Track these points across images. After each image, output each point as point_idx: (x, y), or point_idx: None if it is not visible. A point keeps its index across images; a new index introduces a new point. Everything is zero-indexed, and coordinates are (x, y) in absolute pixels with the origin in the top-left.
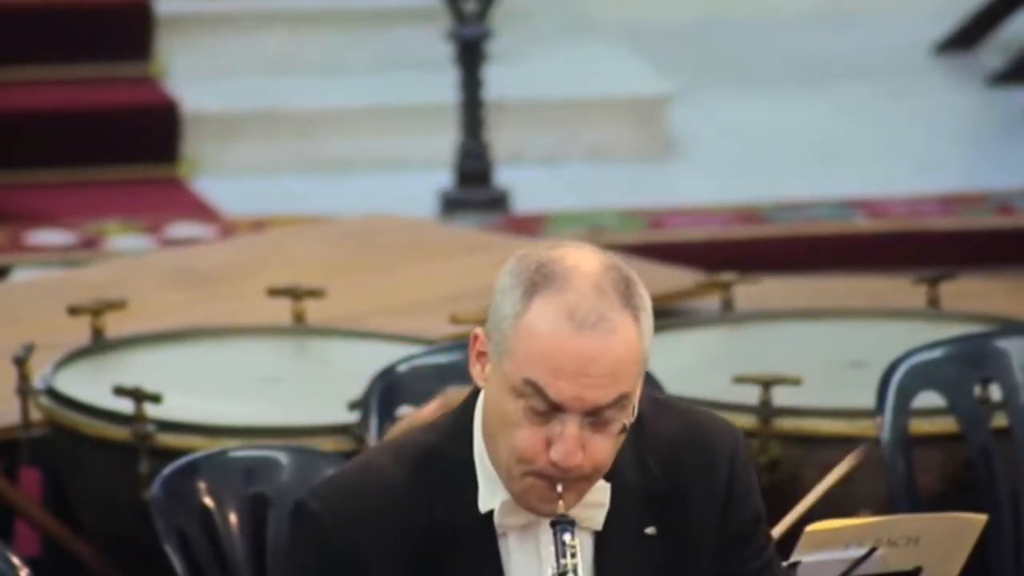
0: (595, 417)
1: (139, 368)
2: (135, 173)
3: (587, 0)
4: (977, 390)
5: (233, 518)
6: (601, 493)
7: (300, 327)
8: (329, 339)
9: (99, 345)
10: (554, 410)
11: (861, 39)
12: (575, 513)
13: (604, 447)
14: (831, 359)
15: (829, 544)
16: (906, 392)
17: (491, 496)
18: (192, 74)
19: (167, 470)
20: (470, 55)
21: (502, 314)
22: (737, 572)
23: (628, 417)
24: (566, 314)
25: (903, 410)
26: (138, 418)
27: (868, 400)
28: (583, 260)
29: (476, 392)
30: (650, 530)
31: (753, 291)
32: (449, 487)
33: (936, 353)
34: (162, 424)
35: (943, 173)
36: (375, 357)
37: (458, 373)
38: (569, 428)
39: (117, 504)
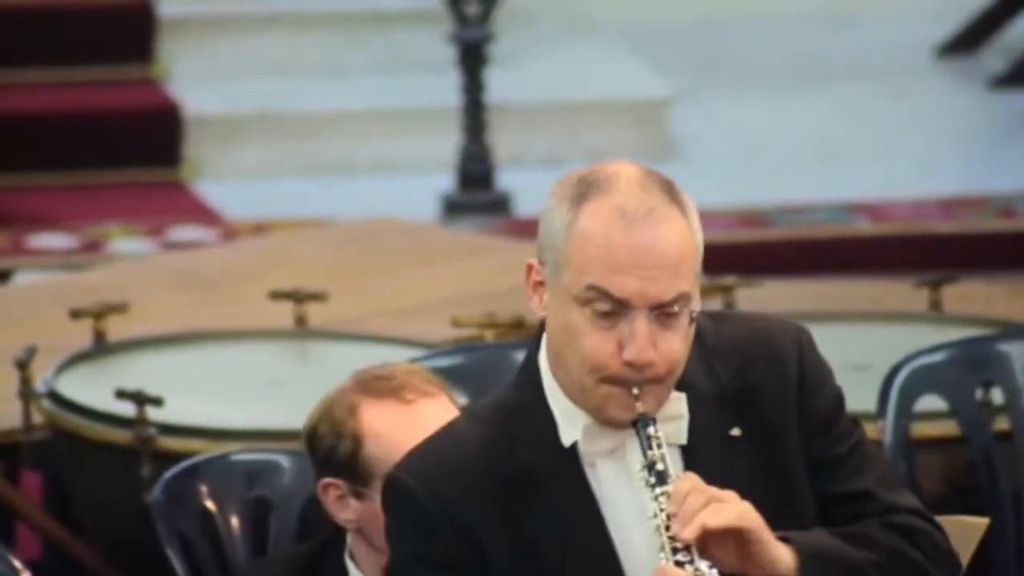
0: (661, 312)
1: (141, 371)
2: (137, 176)
3: (588, 2)
4: (979, 393)
5: (235, 521)
6: (678, 404)
7: (302, 330)
8: (331, 342)
9: (101, 348)
10: (620, 309)
11: (862, 41)
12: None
13: (675, 344)
14: (833, 362)
15: None
16: (908, 395)
17: (571, 428)
18: (194, 77)
19: (169, 473)
20: (472, 58)
21: (553, 229)
22: (827, 458)
23: (694, 309)
24: (616, 212)
25: (905, 414)
26: (140, 421)
27: (870, 403)
28: (623, 167)
29: (536, 339)
30: (735, 432)
31: (755, 294)
32: (528, 430)
33: (938, 357)
34: (164, 427)
35: (945, 176)
36: (377, 360)
37: (460, 376)
38: (638, 324)
39: (118, 507)
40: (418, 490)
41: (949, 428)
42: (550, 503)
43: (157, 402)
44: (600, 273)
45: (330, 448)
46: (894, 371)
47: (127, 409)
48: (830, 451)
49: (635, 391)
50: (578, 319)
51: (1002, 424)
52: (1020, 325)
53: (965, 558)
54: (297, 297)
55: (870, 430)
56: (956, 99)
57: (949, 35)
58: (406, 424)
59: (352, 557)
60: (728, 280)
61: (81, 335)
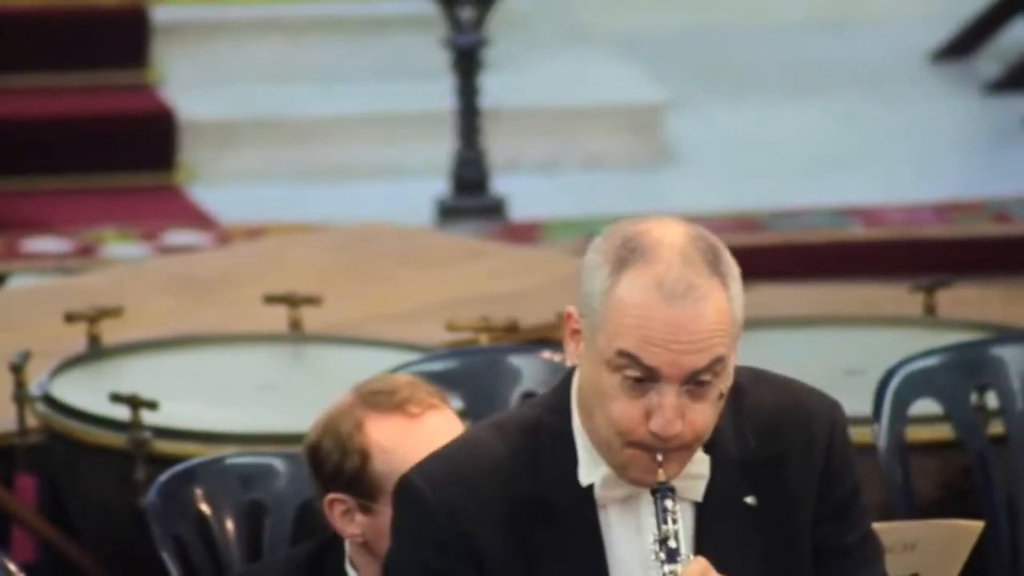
0: (692, 384)
1: (135, 375)
2: (132, 180)
3: (584, 8)
4: (974, 397)
5: (230, 525)
6: (701, 465)
7: (296, 334)
8: (325, 346)
9: (95, 352)
10: (650, 379)
11: (858, 47)
12: (677, 484)
13: (703, 414)
14: (828, 367)
15: None
16: (903, 399)
17: (592, 470)
18: (189, 81)
19: (163, 477)
20: (467, 63)
21: (592, 290)
22: (834, 545)
23: (725, 383)
24: (655, 284)
25: (900, 417)
26: (134, 425)
27: (865, 407)
28: (668, 232)
29: (570, 371)
30: (750, 499)
31: (749, 299)
32: (551, 459)
33: (933, 361)
34: (158, 431)
35: (940, 181)
36: (371, 364)
37: (454, 380)
38: (667, 397)
39: (113, 511)
40: (430, 496)
41: (944, 432)
42: (559, 537)
43: (152, 406)
44: (633, 342)
45: (336, 464)
46: (889, 375)
47: (122, 413)
48: (840, 539)
49: (659, 458)
50: (608, 382)
51: (996, 428)
52: (1015, 329)
53: (960, 562)
54: (292, 301)
55: (865, 434)
56: (951, 104)
57: (944, 40)
58: (413, 438)
59: (353, 564)
60: None
61: (76, 339)
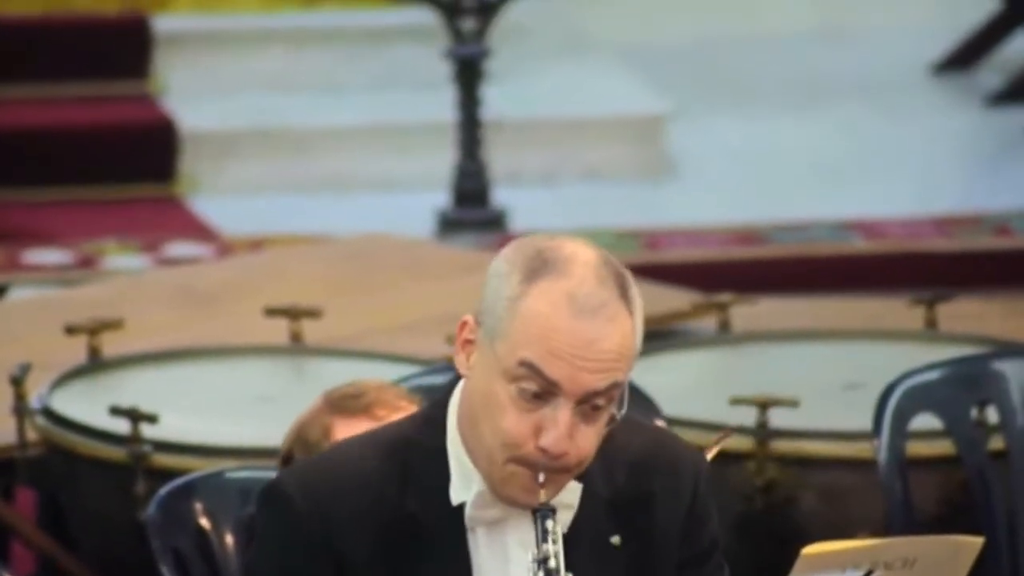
0: (586, 405)
1: (136, 388)
2: (132, 192)
3: (585, 19)
4: (974, 412)
5: (229, 539)
6: (571, 494)
7: (297, 347)
8: (326, 359)
9: (96, 365)
10: (547, 393)
11: (859, 59)
12: None
13: (590, 439)
14: (828, 380)
15: (826, 567)
16: (903, 414)
17: (464, 488)
18: (190, 92)
19: (163, 490)
20: (468, 74)
21: (498, 296)
22: None
23: (616, 409)
24: (567, 297)
25: (900, 432)
26: (134, 438)
27: (865, 422)
28: (581, 250)
29: (451, 384)
30: (615, 539)
31: (750, 312)
32: (422, 477)
33: (933, 375)
34: (158, 444)
35: (941, 194)
36: (372, 377)
37: None
38: (562, 413)
39: (113, 524)
40: (299, 502)
41: (944, 447)
42: (426, 556)
43: (152, 419)
44: (537, 353)
45: None
46: (889, 390)
47: (122, 426)
48: None
49: (541, 478)
50: (502, 393)
51: (997, 443)
52: (1015, 344)
53: None
54: (292, 313)
55: (865, 449)
56: (952, 117)
57: (945, 53)
58: None
59: None
60: (724, 297)
61: (76, 351)
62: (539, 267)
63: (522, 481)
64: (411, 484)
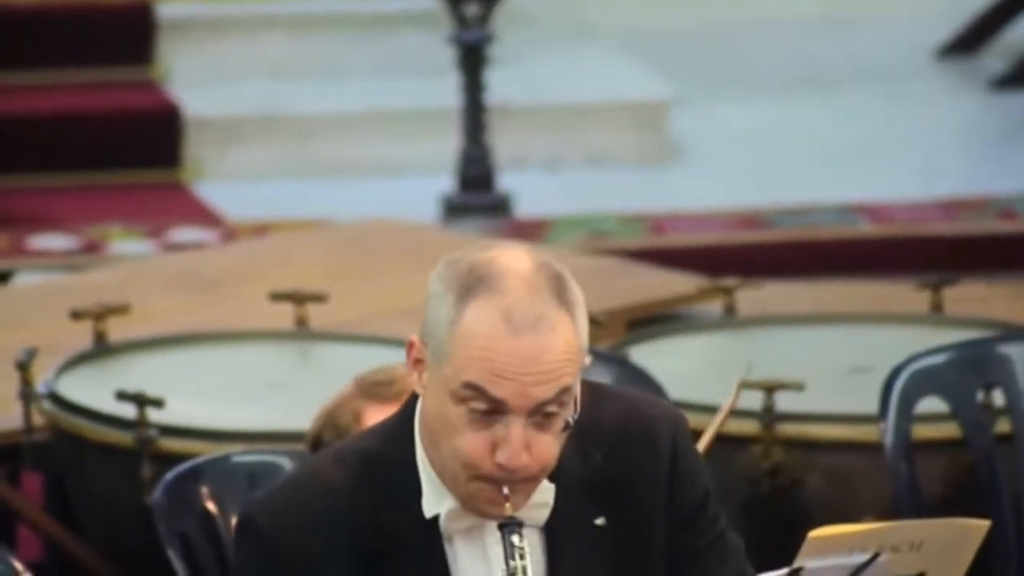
0: (538, 415)
1: (141, 373)
2: (137, 177)
3: (589, 5)
4: (980, 396)
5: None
6: (545, 493)
7: (302, 331)
8: (331, 344)
9: (101, 350)
10: (496, 411)
11: (863, 44)
12: (520, 514)
13: (549, 446)
14: (834, 364)
15: (832, 550)
16: (909, 397)
17: (436, 501)
18: (194, 78)
19: (169, 475)
20: (472, 59)
21: (437, 319)
22: (688, 548)
23: (570, 413)
24: (502, 316)
25: (906, 416)
26: (140, 423)
27: (871, 405)
28: (514, 261)
29: (414, 397)
30: (599, 521)
31: (755, 296)
32: (393, 492)
33: (939, 358)
34: (164, 429)
35: (946, 178)
36: (377, 362)
37: None
38: (513, 429)
39: (119, 509)
40: (268, 531)
41: (950, 430)
42: (404, 570)
43: (158, 403)
44: (480, 374)
45: None
46: (895, 373)
47: (128, 410)
48: (693, 542)
49: (505, 490)
50: (453, 414)
51: (1003, 426)
52: (1021, 327)
53: (966, 561)
54: (297, 298)
55: (871, 432)
56: (957, 101)
57: (949, 37)
58: None
59: None
60: (729, 282)
61: (82, 336)
62: (472, 284)
63: (488, 495)
64: (383, 500)
